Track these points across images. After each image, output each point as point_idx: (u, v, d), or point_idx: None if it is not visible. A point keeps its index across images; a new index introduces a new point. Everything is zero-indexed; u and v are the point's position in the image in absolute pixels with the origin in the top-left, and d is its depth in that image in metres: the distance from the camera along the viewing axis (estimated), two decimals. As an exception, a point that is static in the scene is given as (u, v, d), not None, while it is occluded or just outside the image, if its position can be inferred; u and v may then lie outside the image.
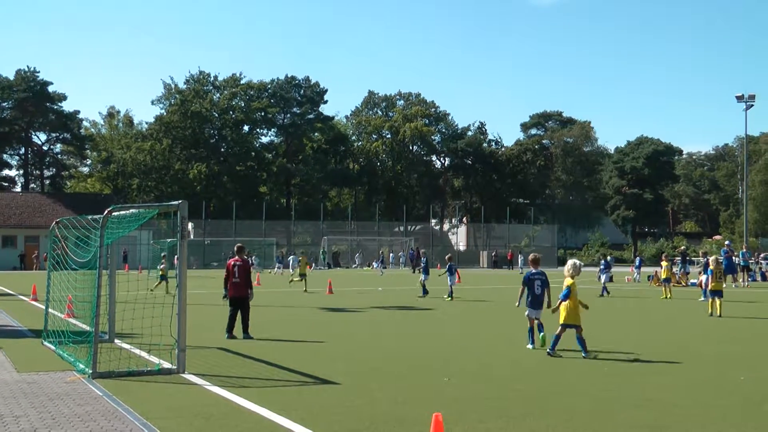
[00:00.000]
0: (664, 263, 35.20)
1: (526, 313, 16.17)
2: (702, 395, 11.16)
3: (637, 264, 47.84)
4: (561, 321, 14.94)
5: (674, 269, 45.41)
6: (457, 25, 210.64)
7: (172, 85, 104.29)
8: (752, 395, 11.23)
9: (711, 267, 25.69)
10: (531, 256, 16.81)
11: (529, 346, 16.06)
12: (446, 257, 36.08)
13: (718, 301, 24.58)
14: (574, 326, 14.86)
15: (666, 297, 33.30)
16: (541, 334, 15.96)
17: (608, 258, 43.60)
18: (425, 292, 33.31)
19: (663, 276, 34.93)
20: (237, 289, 18.02)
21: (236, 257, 18.35)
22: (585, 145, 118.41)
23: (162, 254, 39.95)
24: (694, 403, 10.59)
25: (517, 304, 16.49)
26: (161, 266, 36.60)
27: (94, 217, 15.16)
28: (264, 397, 10.81)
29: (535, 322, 16.14)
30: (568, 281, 15.03)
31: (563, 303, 14.89)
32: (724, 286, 26.78)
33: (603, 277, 37.40)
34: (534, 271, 16.12)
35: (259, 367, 13.62)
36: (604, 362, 14.30)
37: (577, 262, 15.48)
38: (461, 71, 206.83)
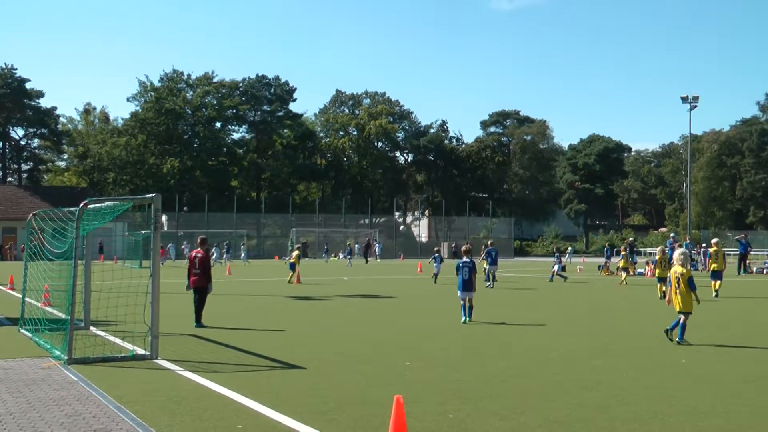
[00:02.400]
0: (623, 253, 36.76)
1: (459, 294, 18.50)
2: (647, 377, 11.30)
3: (607, 254, 47.86)
4: (680, 309, 14.71)
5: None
6: (422, 28, 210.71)
7: (148, 83, 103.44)
8: (691, 375, 11.39)
9: (657, 257, 27.67)
10: (463, 247, 19.10)
11: (463, 318, 18.32)
12: (489, 243, 36.90)
13: (664, 287, 25.76)
14: (687, 313, 14.71)
15: (624, 284, 34.15)
16: (469, 318, 18.30)
17: (561, 249, 44.37)
18: (493, 279, 32.94)
19: (621, 265, 36.06)
20: (196, 279, 17.93)
21: (198, 249, 18.21)
22: (541, 143, 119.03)
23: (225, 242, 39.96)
24: (639, 384, 10.71)
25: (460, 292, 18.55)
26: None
27: (71, 209, 15.05)
28: (234, 381, 10.80)
29: (466, 301, 18.37)
30: (681, 269, 14.76)
31: (693, 292, 14.66)
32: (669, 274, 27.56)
33: (557, 267, 37.99)
34: (465, 259, 18.39)
35: (229, 353, 13.60)
36: (554, 347, 14.43)
37: (686, 251, 15.65)
38: (425, 72, 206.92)
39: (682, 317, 14.67)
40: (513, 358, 13.25)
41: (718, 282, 26.90)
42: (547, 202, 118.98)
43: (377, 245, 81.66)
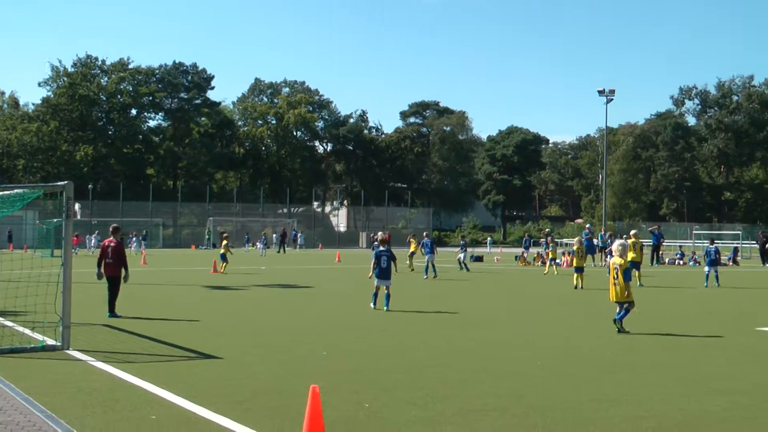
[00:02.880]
0: (551, 244, 37.85)
1: (375, 282, 18.75)
2: (562, 366, 11.51)
3: (525, 245, 48.23)
4: (618, 299, 15.07)
5: (539, 250, 46.60)
6: (342, 18, 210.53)
7: (60, 68, 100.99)
8: (605, 363, 11.65)
9: (575, 247, 28.63)
10: (380, 236, 19.75)
11: (371, 305, 18.80)
12: (424, 234, 36.83)
13: (580, 276, 27.09)
14: (629, 302, 15.05)
15: (555, 274, 34.98)
16: (386, 307, 18.49)
17: (465, 240, 44.99)
18: (434, 270, 32.33)
19: (550, 255, 36.93)
20: (110, 268, 17.63)
21: (111, 238, 17.91)
22: (460, 134, 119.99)
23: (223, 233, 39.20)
24: (554, 373, 10.91)
25: (369, 275, 19.12)
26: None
27: (-22, 196, 14.60)
28: (147, 371, 10.65)
29: (382, 289, 18.75)
30: (619, 260, 15.08)
31: (627, 283, 15.01)
32: (585, 264, 28.50)
33: (461, 256, 38.29)
34: (382, 249, 18.85)
35: (144, 343, 13.41)
36: (471, 336, 14.60)
37: (624, 242, 16.15)
38: (345, 61, 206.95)
39: (627, 306, 15.03)
40: (430, 347, 13.36)
41: (637, 273, 27.58)
42: (466, 193, 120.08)
43: (300, 236, 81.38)
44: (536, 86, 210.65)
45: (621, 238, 45.82)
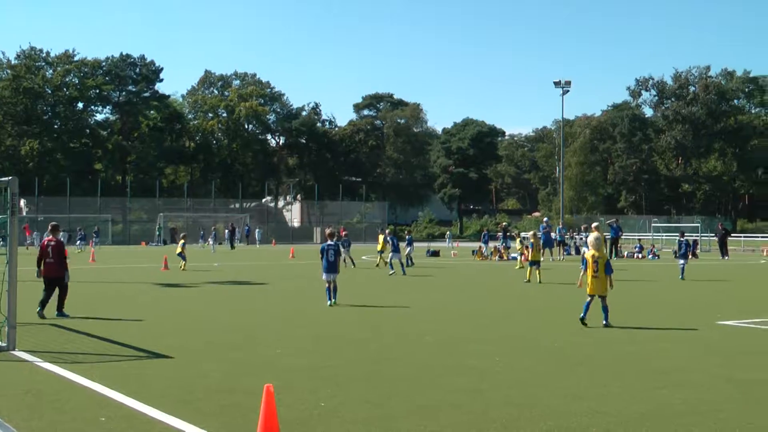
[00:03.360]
0: (518, 239, 39.40)
1: (323, 276, 19.13)
2: (520, 361, 11.61)
3: (484, 240, 48.08)
4: (595, 292, 15.29)
5: (497, 244, 46.92)
6: (295, 8, 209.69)
7: (3, 60, 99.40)
8: (564, 358, 11.78)
9: (531, 240, 28.93)
10: (327, 230, 20.15)
11: (329, 302, 18.96)
12: (387, 231, 36.43)
13: (537, 270, 27.23)
14: (603, 296, 15.34)
15: (521, 267, 35.14)
16: (334, 300, 18.99)
17: (411, 234, 45.27)
18: (401, 266, 32.03)
19: (518, 248, 37.71)
20: (51, 269, 17.28)
21: (50, 236, 17.64)
22: (415, 126, 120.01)
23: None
24: (512, 368, 11.00)
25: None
26: None
27: None
28: (96, 372, 10.56)
29: (331, 284, 19.06)
30: (597, 253, 15.29)
31: (609, 276, 15.32)
32: (542, 258, 28.80)
33: (408, 249, 37.22)
34: (330, 242, 19.37)
35: (93, 343, 13.28)
36: (427, 331, 14.67)
37: (599, 235, 16.28)
38: (296, 53, 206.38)
39: (599, 300, 15.25)
40: (384, 342, 13.41)
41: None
42: (422, 187, 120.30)
43: (258, 231, 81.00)
44: (492, 78, 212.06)
45: (581, 231, 46.40)
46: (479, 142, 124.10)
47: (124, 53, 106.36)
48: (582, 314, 15.19)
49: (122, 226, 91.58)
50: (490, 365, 11.20)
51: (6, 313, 12.46)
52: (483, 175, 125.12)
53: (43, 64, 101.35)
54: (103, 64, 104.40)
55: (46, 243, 17.45)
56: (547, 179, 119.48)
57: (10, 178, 12.71)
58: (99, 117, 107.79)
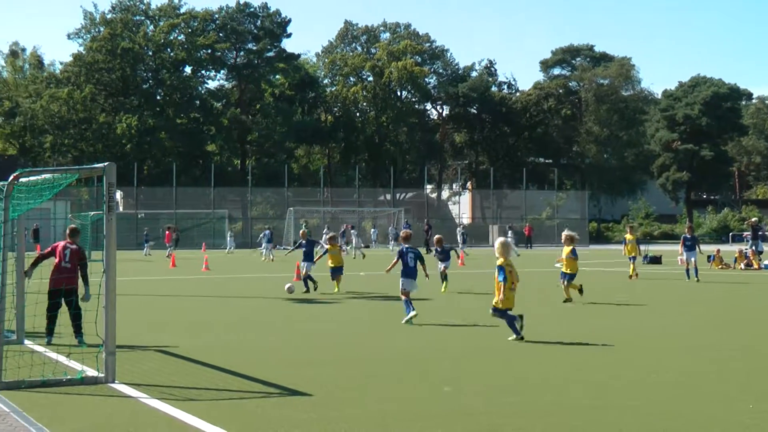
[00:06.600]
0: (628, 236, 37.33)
1: (402, 284, 20.56)
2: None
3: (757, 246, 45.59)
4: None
5: (744, 247, 45.57)
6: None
7: (95, 15, 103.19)
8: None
9: None
10: (402, 233, 22.33)
11: (407, 313, 20.04)
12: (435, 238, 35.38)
13: None
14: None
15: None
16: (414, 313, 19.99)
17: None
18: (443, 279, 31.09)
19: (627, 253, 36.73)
20: (64, 277, 17.04)
21: (68, 240, 17.62)
22: (624, 88, 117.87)
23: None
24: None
25: (388, 268, 22.14)
26: None
27: (-4, 184, 15.07)
28: (215, 412, 10.84)
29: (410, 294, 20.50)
30: (499, 261, 17.18)
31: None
32: None
33: (442, 266, 34.52)
34: (408, 246, 21.19)
35: (209, 375, 13.64)
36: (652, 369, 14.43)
37: (506, 239, 18.37)
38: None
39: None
40: (585, 382, 13.27)
41: None
42: (634, 170, 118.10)
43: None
44: (731, 21, 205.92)
45: None
46: (715, 108, 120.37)
47: (241, 2, 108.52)
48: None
49: (242, 223, 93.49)
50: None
51: (103, 336, 12.96)
52: (721, 152, 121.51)
53: (143, 17, 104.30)
54: (216, 16, 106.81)
55: (63, 246, 17.51)
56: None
57: (105, 164, 13.00)
58: (211, 84, 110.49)
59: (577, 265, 25.77)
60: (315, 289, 29.68)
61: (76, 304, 16.73)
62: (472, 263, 49.37)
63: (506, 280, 16.94)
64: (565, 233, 26.61)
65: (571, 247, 25.12)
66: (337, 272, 30.62)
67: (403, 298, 20.39)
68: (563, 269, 25.25)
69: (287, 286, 27.88)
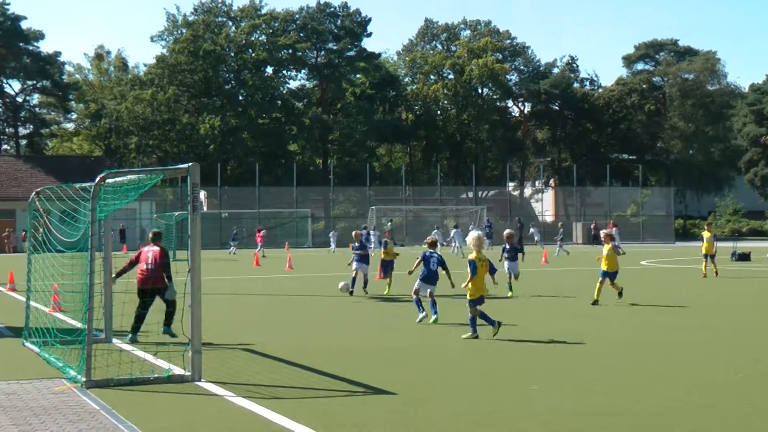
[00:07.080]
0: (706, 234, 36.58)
1: (417, 285, 20.53)
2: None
3: None
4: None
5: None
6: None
7: (178, 17, 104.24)
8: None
9: None
10: (429, 238, 22.39)
11: (420, 314, 20.41)
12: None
13: None
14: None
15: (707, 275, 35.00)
16: (435, 316, 20.17)
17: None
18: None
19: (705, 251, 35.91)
20: (148, 278, 17.59)
21: (152, 245, 17.84)
22: (710, 83, 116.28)
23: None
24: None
25: (411, 269, 22.15)
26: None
27: (83, 185, 15.23)
28: (300, 410, 10.94)
29: (426, 295, 20.45)
30: (472, 255, 17.70)
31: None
32: None
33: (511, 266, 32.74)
34: (432, 251, 20.97)
35: (294, 373, 13.76)
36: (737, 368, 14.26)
37: (480, 233, 18.86)
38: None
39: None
40: (669, 379, 13.12)
41: None
42: (721, 166, 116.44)
43: (535, 230, 78.63)
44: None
45: None
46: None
47: (321, 2, 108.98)
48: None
49: (324, 222, 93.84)
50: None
51: (189, 334, 13.12)
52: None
53: (225, 19, 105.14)
54: (296, 17, 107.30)
55: (146, 249, 17.93)
56: None
57: (189, 165, 13.20)
58: (293, 84, 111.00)
59: (618, 263, 25.32)
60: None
61: (169, 303, 17.45)
62: (557, 261, 49.08)
63: (476, 272, 17.40)
64: (603, 231, 26.91)
65: (610, 245, 24.84)
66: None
67: (413, 297, 20.74)
68: (603, 267, 24.82)
69: (341, 284, 27.58)
